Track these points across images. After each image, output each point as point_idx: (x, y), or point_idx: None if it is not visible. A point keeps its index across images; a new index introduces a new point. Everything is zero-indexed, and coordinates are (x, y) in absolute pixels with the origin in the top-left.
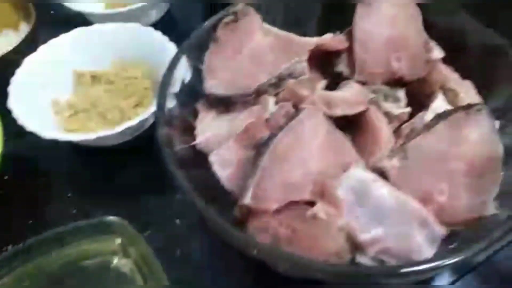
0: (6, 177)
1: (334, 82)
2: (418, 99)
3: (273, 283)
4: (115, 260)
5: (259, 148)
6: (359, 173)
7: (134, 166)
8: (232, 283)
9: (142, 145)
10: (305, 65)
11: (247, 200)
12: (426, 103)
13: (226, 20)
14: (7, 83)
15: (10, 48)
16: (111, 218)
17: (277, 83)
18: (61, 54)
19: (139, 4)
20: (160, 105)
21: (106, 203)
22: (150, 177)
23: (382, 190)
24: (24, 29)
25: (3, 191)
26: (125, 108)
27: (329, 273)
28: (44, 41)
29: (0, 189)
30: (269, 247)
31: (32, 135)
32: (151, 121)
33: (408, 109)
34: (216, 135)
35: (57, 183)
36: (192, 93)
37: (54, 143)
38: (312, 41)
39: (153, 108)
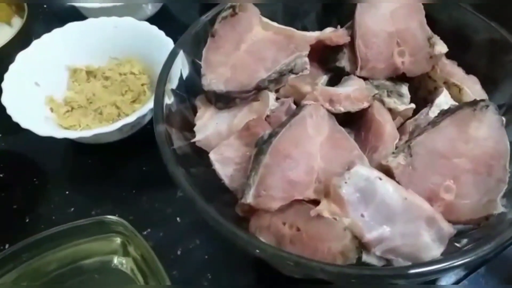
0: (2, 175)
1: (335, 77)
2: (422, 94)
3: (275, 281)
4: (115, 260)
5: (261, 145)
6: (363, 171)
7: (133, 163)
8: (233, 282)
9: (140, 142)
10: (306, 60)
11: (249, 198)
12: (429, 98)
13: (224, 14)
14: (0, 79)
15: (2, 42)
16: (111, 217)
17: (278, 78)
18: (54, 49)
19: None
20: (158, 102)
21: (105, 201)
22: (150, 174)
23: (387, 188)
24: (17, 23)
25: None
26: (121, 104)
27: (333, 275)
28: (37, 35)
29: None
30: (271, 248)
31: (27, 131)
32: (149, 117)
33: (412, 106)
34: (216, 132)
35: (55, 181)
36: (191, 89)
37: (51, 140)
38: (313, 36)
39: (151, 104)
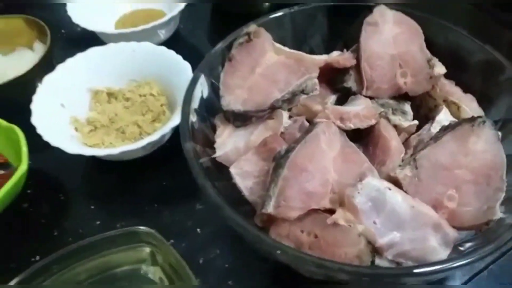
0: (29, 191)
1: (343, 96)
2: (423, 112)
3: (293, 285)
4: (144, 268)
5: (279, 159)
6: (374, 182)
7: (153, 179)
8: (254, 286)
9: (160, 158)
10: (316, 81)
11: (270, 209)
12: (431, 115)
13: (240, 40)
14: (29, 101)
15: (29, 66)
16: (141, 227)
17: (290, 98)
18: (78, 72)
19: (151, 24)
20: (185, 120)
21: (128, 214)
22: (169, 189)
23: (396, 197)
24: (39, 47)
25: (27, 204)
26: (143, 123)
27: (351, 273)
28: (58, 60)
29: (24, 203)
30: (294, 250)
31: (50, 150)
32: (169, 135)
33: (416, 122)
34: (235, 148)
35: (79, 196)
36: (210, 109)
37: (73, 158)
38: (322, 59)
39: (172, 123)
